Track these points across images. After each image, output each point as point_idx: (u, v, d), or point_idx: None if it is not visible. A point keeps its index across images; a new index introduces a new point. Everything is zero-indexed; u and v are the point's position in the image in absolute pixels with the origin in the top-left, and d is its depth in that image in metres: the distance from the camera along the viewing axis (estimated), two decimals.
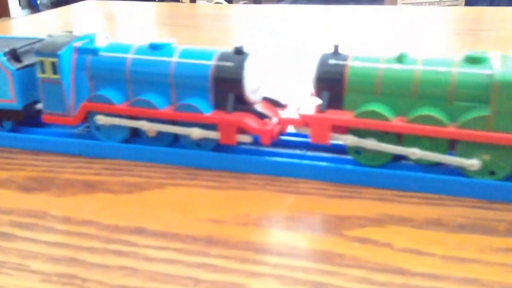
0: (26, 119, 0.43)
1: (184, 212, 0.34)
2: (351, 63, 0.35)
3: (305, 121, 0.36)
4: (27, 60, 0.42)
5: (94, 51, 0.39)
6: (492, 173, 0.34)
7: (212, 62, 0.37)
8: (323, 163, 0.37)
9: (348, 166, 0.36)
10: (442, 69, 0.33)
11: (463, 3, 2.43)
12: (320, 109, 0.36)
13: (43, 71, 0.39)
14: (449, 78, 0.33)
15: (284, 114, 0.38)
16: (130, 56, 0.39)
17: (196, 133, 0.38)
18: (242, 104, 0.37)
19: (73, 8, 1.15)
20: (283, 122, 0.38)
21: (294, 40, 0.81)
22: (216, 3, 1.97)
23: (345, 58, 0.36)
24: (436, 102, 0.33)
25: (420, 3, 2.53)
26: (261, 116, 0.37)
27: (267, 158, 0.38)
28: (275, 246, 0.30)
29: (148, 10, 1.16)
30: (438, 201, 0.33)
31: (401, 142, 0.35)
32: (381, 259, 0.28)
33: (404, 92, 0.34)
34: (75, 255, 0.29)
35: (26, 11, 3.50)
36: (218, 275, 0.27)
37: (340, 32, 0.86)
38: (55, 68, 0.39)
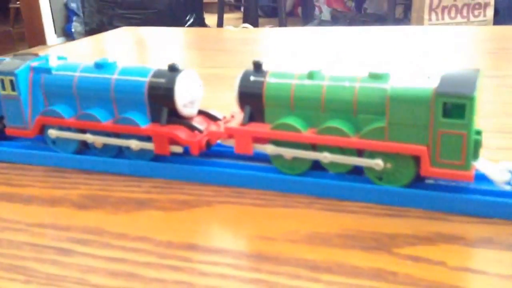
0: None
1: (234, 229, 0.35)
2: (268, 79, 0.38)
3: (229, 133, 0.39)
4: None
5: (48, 70, 0.44)
6: (391, 181, 0.36)
7: (147, 79, 0.40)
8: (369, 185, 0.37)
9: (394, 189, 0.36)
10: (345, 84, 0.36)
11: (491, 22, 2.39)
12: (242, 122, 0.39)
13: (4, 88, 0.44)
14: (352, 93, 0.36)
15: (213, 127, 0.41)
16: (77, 74, 0.43)
17: (133, 144, 0.41)
18: (177, 117, 0.40)
19: (106, 36, 1.18)
20: (211, 135, 0.41)
21: (319, 61, 0.82)
22: (243, 28, 2.00)
23: (264, 74, 0.39)
24: (342, 115, 0.36)
25: (448, 24, 2.50)
26: (192, 128, 0.40)
27: (311, 179, 0.39)
28: (326, 263, 0.30)
29: (177, 35, 1.19)
30: (489, 219, 0.33)
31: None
32: (436, 278, 0.28)
33: (314, 106, 0.37)
34: (132, 270, 0.30)
35: (61, 39, 3.62)
36: None
37: (366, 53, 0.87)
38: (13, 86, 0.43)
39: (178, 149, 0.41)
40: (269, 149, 0.39)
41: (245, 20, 3.35)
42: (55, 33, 3.62)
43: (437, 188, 0.36)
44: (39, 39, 3.53)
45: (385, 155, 0.35)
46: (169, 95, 0.40)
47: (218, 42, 1.10)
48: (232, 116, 0.41)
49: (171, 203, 0.38)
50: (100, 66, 0.43)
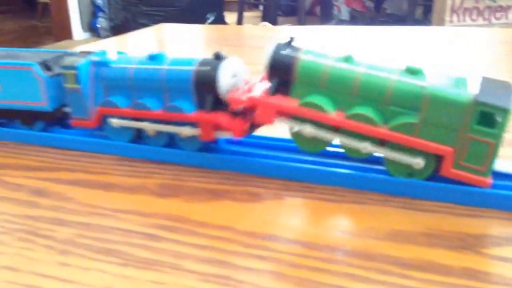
0: (56, 120, 0.50)
1: (311, 222, 0.35)
2: (302, 55, 0.38)
3: (252, 103, 0.39)
4: (56, 70, 0.48)
5: (106, 64, 0.45)
6: (410, 175, 0.38)
7: (193, 68, 0.42)
8: (450, 185, 0.37)
9: (476, 189, 0.36)
10: (382, 73, 0.37)
11: None
12: (268, 93, 0.39)
13: (68, 82, 0.46)
14: (388, 83, 0.36)
15: (235, 94, 0.41)
16: (132, 66, 0.44)
17: (185, 131, 0.42)
18: (222, 104, 0.41)
19: (130, 35, 1.19)
20: (232, 102, 0.40)
21: None
22: (263, 25, 2.01)
23: (297, 50, 0.39)
24: (372, 103, 0.37)
25: (469, 25, 2.47)
26: (236, 114, 0.41)
27: (384, 176, 0.39)
28: (415, 261, 0.30)
29: (198, 32, 1.21)
30: None
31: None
32: None
33: (346, 89, 0.37)
34: (223, 258, 0.31)
35: (86, 34, 3.68)
36: (365, 285, 0.28)
37: (384, 52, 0.86)
38: (75, 79, 0.45)
39: (223, 134, 0.42)
40: (291, 125, 0.39)
41: (264, 19, 3.37)
42: (81, 28, 3.67)
43: None
44: (65, 34, 3.59)
45: (408, 149, 0.36)
46: (212, 82, 0.41)
47: (237, 39, 1.11)
48: (252, 84, 0.42)
49: (243, 195, 0.39)
50: (152, 58, 0.44)
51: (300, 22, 2.98)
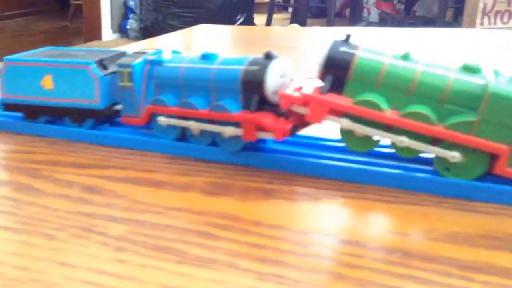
0: (106, 118, 0.50)
1: (367, 223, 0.35)
2: (360, 53, 0.38)
3: (305, 100, 0.38)
4: (111, 69, 0.49)
5: (160, 63, 0.46)
6: (460, 175, 0.37)
7: (242, 67, 0.41)
8: (505, 187, 0.36)
9: None
10: (441, 71, 0.36)
11: None
12: (321, 91, 0.38)
13: (122, 80, 0.46)
14: (446, 81, 0.35)
15: (288, 91, 0.40)
16: (183, 65, 0.44)
17: (229, 131, 0.42)
18: (268, 104, 0.41)
19: (158, 39, 1.20)
20: (283, 98, 0.40)
21: None
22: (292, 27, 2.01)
23: (355, 47, 0.38)
24: (428, 101, 0.36)
25: (500, 28, 2.43)
26: (280, 114, 0.40)
27: (438, 177, 0.38)
28: (475, 264, 0.29)
29: (227, 33, 1.22)
30: None
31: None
32: None
33: (403, 87, 0.37)
34: (278, 257, 0.30)
35: (116, 35, 3.74)
36: (427, 287, 0.27)
37: (416, 53, 0.84)
38: (130, 77, 0.46)
39: (265, 135, 0.41)
40: (344, 123, 0.38)
41: (292, 21, 3.38)
42: (111, 29, 3.74)
43: None
44: (95, 35, 3.67)
45: (463, 148, 0.36)
46: (259, 82, 0.40)
47: (265, 40, 1.12)
48: (302, 83, 0.41)
49: (294, 194, 0.39)
50: (205, 57, 0.44)
51: (329, 24, 2.97)
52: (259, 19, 3.50)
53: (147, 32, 3.24)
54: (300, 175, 0.41)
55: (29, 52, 0.55)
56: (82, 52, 0.53)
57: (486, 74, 0.36)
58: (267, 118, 0.41)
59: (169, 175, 0.42)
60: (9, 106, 0.53)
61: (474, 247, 0.31)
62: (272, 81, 0.40)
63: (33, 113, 0.52)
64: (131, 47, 0.49)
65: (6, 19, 4.62)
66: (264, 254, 0.31)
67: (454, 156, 0.36)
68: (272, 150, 0.44)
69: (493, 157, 0.36)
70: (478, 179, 0.37)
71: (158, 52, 0.48)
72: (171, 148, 0.46)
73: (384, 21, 3.36)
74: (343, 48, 0.39)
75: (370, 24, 3.38)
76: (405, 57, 0.37)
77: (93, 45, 3.40)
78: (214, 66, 0.43)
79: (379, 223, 0.34)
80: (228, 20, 3.08)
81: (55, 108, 0.51)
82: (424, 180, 0.38)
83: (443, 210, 0.36)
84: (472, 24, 2.55)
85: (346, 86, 0.39)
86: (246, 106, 0.42)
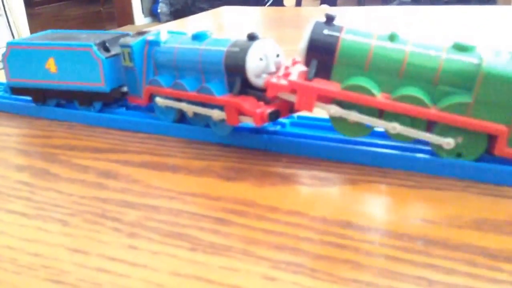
0: (113, 101, 0.50)
1: (389, 209, 0.33)
2: (344, 35, 0.36)
3: (292, 87, 0.37)
4: (114, 51, 0.48)
5: (157, 43, 0.45)
6: (459, 155, 0.36)
7: (225, 48, 0.40)
8: None
9: None
10: (431, 52, 0.34)
11: None
12: (307, 77, 0.36)
13: (124, 60, 0.46)
14: (437, 62, 0.34)
15: (274, 79, 0.38)
16: (177, 45, 0.44)
17: (215, 114, 0.41)
18: (254, 89, 0.39)
19: (190, 19, 1.19)
20: (270, 86, 0.38)
21: None
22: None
23: (338, 29, 0.36)
24: (420, 83, 0.34)
25: None
26: (261, 99, 0.39)
27: (465, 161, 0.36)
28: (502, 252, 0.28)
29: (257, 14, 1.19)
30: None
31: (381, 118, 0.36)
32: None
33: (392, 70, 0.35)
34: (296, 245, 0.29)
35: (147, 19, 3.76)
36: (450, 277, 0.26)
37: (451, 32, 0.81)
38: (130, 57, 0.45)
39: (246, 119, 0.40)
40: (334, 110, 0.37)
41: (323, 1, 3.32)
42: (142, 13, 3.75)
43: None
44: (127, 19, 3.69)
45: (459, 130, 0.35)
46: (240, 64, 0.39)
47: (295, 20, 1.09)
48: (287, 68, 0.39)
49: (313, 179, 0.37)
50: (195, 37, 0.44)
51: (360, 3, 2.91)
52: (289, 0, 3.46)
53: (177, 15, 3.25)
54: (318, 159, 0.40)
55: (31, 35, 0.55)
56: (84, 35, 0.53)
57: (480, 52, 0.34)
58: (246, 102, 0.39)
59: (185, 159, 0.41)
60: (17, 90, 0.53)
61: (502, 234, 0.30)
62: (253, 63, 0.39)
63: (41, 96, 0.52)
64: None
65: (41, 5, 4.68)
66: (281, 241, 0.30)
67: (449, 143, 0.35)
68: (290, 134, 0.43)
69: (492, 138, 0.35)
70: (508, 162, 0.35)
71: (157, 33, 0.47)
72: (190, 132, 0.45)
73: (417, 0, 3.29)
74: (326, 31, 0.36)
75: (402, 2, 3.31)
76: (392, 37, 0.35)
77: (126, 29, 3.42)
78: (202, 47, 0.42)
79: (402, 209, 0.33)
80: (257, 2, 3.06)
81: (62, 91, 0.51)
82: (450, 164, 0.36)
83: (470, 195, 0.34)
84: (507, 1, 2.48)
85: (333, 70, 0.36)
86: (231, 89, 0.41)
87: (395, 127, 0.36)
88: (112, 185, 0.38)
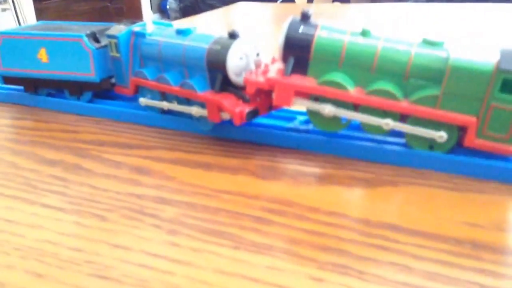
0: (103, 91, 0.50)
1: (432, 212, 0.33)
2: (319, 32, 0.37)
3: (270, 84, 0.38)
4: (104, 42, 0.49)
5: (143, 35, 0.45)
6: (431, 147, 0.37)
7: (207, 45, 0.40)
8: None
9: None
10: (401, 46, 0.35)
11: None
12: (284, 74, 0.37)
13: (111, 50, 0.47)
14: (408, 56, 0.35)
15: (252, 76, 0.39)
16: (161, 39, 0.44)
17: (193, 110, 0.42)
18: (234, 87, 0.40)
19: (199, 17, 1.19)
20: (248, 83, 0.38)
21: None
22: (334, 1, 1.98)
23: (314, 26, 0.37)
24: (392, 78, 0.36)
25: None
26: (241, 97, 0.39)
27: (506, 164, 0.36)
28: None
29: (268, 10, 1.19)
30: None
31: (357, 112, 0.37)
32: None
33: (365, 65, 0.36)
34: (339, 246, 0.29)
35: (156, 15, 3.76)
36: (502, 282, 0.25)
37: (464, 30, 0.80)
38: (117, 48, 0.46)
39: (226, 116, 0.40)
40: (309, 105, 0.38)
41: None
42: (151, 9, 3.75)
43: None
44: (136, 15, 3.69)
45: (430, 122, 0.36)
46: (221, 62, 0.39)
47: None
48: (267, 65, 0.40)
49: (351, 180, 0.37)
50: (179, 32, 0.44)
51: (374, 0, 2.90)
52: None
53: (186, 12, 3.24)
54: (353, 160, 0.40)
55: (24, 26, 0.55)
56: (75, 26, 0.53)
57: (447, 47, 0.35)
58: (227, 100, 0.40)
59: (215, 156, 0.41)
60: (9, 79, 0.54)
61: None
62: (234, 62, 0.39)
63: (33, 86, 0.53)
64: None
65: (48, 0, 4.69)
66: (324, 242, 0.29)
67: (442, 136, 0.36)
68: (322, 133, 0.42)
69: (462, 130, 0.36)
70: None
71: (143, 24, 0.48)
72: (217, 130, 0.45)
73: None
74: (301, 28, 0.37)
75: (417, 0, 3.30)
76: (365, 33, 0.36)
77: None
78: (185, 43, 0.43)
79: (445, 212, 0.32)
80: None
81: (54, 81, 0.51)
82: (490, 167, 0.36)
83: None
84: None
85: (310, 66, 0.38)
86: (212, 85, 0.41)
87: (388, 123, 0.37)
88: (146, 182, 0.37)
